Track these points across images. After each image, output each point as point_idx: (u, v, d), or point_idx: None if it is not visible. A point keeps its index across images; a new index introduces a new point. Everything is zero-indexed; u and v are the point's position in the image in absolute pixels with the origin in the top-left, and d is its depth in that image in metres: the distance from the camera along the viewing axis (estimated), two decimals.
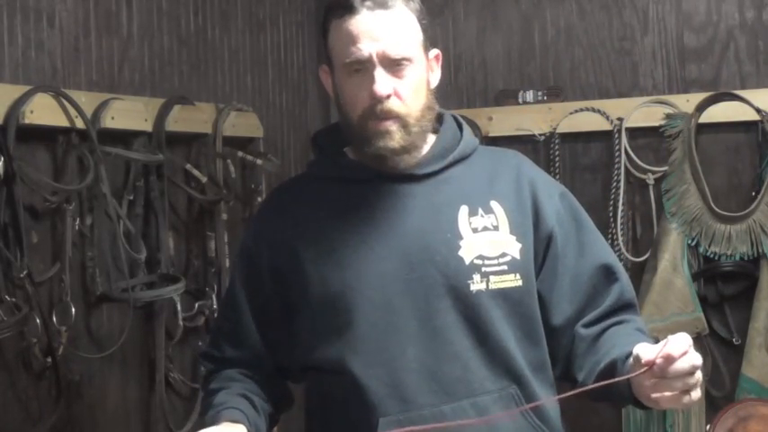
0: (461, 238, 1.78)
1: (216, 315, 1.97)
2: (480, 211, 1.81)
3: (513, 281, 1.78)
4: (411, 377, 1.72)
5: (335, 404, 1.78)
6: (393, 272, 1.76)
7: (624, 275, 1.87)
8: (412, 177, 1.81)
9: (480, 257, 1.77)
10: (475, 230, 1.79)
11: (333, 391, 1.78)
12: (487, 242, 1.78)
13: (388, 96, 1.74)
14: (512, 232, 1.80)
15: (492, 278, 1.77)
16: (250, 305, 1.86)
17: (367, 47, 1.73)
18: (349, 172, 1.83)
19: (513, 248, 1.79)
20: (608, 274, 1.85)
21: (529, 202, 1.84)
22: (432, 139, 1.86)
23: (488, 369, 1.75)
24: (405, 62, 1.75)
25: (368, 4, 1.74)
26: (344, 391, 1.75)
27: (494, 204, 1.82)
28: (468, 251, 1.77)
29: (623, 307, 1.85)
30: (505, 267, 1.78)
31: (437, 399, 1.73)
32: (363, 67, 1.74)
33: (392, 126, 1.75)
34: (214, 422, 1.73)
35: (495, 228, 1.80)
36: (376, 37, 1.73)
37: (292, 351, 1.84)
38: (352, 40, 1.74)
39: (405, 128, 1.76)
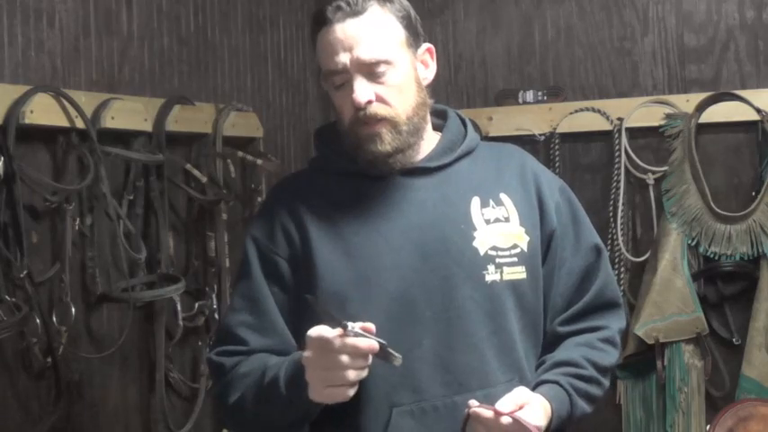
0: (475, 229, 1.80)
1: (227, 313, 1.90)
2: (491, 202, 1.83)
3: (520, 273, 1.81)
4: (425, 368, 1.73)
5: None
6: (408, 262, 1.76)
7: (604, 273, 1.90)
8: (422, 170, 1.83)
9: (494, 248, 1.79)
10: (488, 221, 1.81)
11: None
12: (500, 233, 1.80)
13: (370, 102, 1.75)
14: (521, 224, 1.83)
15: (505, 269, 1.79)
16: (272, 292, 1.82)
17: (341, 57, 1.75)
18: (357, 166, 1.83)
19: (523, 241, 1.82)
20: (592, 271, 1.89)
21: (534, 196, 1.87)
22: (434, 134, 1.88)
23: (499, 360, 1.77)
24: (383, 65, 1.75)
25: (338, 15, 1.75)
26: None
27: (503, 197, 1.84)
28: (482, 242, 1.79)
29: (602, 306, 1.88)
30: (516, 259, 1.80)
31: (450, 390, 1.74)
32: (343, 78, 1.76)
33: (381, 129, 1.76)
34: (289, 370, 1.69)
35: (507, 219, 1.82)
36: (348, 46, 1.75)
37: (300, 341, 1.83)
38: (328, 51, 1.77)
39: (394, 129, 1.77)
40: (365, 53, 1.74)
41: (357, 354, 1.59)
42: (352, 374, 1.60)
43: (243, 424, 1.83)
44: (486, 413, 1.65)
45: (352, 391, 1.63)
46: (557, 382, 1.78)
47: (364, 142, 1.77)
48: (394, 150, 1.78)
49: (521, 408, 1.67)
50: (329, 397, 1.64)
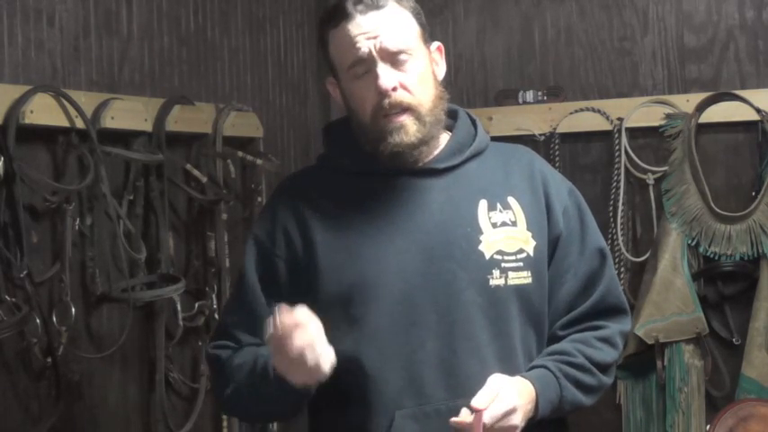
0: (481, 232, 1.79)
1: (224, 311, 1.93)
2: (499, 206, 1.83)
3: (525, 278, 1.80)
4: (428, 371, 1.73)
5: (347, 398, 1.77)
6: (413, 265, 1.76)
7: (607, 279, 1.88)
8: (430, 171, 1.83)
9: (500, 253, 1.79)
10: (494, 225, 1.81)
11: (344, 385, 1.76)
12: (506, 237, 1.80)
13: (395, 89, 1.76)
14: (528, 228, 1.83)
15: (510, 274, 1.79)
16: (265, 295, 1.83)
17: (365, 45, 1.76)
18: (367, 165, 1.83)
19: (529, 245, 1.82)
20: (595, 277, 1.88)
21: (542, 200, 1.86)
22: (445, 134, 1.88)
23: (500, 365, 1.77)
24: (405, 54, 1.77)
25: (360, 8, 1.77)
26: (358, 384, 1.75)
27: (511, 200, 1.84)
28: (488, 246, 1.79)
29: (604, 312, 1.87)
30: (521, 264, 1.80)
31: (453, 393, 1.74)
32: (366, 67, 1.77)
33: (406, 120, 1.77)
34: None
35: (513, 223, 1.82)
36: (372, 36, 1.77)
37: None
38: (350, 43, 1.78)
39: (418, 119, 1.78)
40: (390, 41, 1.76)
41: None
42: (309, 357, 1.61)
43: (242, 412, 1.88)
44: (467, 419, 1.64)
45: (323, 369, 1.63)
46: (543, 366, 1.78)
47: (389, 134, 1.77)
48: (419, 141, 1.78)
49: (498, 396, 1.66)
50: (301, 378, 1.65)
